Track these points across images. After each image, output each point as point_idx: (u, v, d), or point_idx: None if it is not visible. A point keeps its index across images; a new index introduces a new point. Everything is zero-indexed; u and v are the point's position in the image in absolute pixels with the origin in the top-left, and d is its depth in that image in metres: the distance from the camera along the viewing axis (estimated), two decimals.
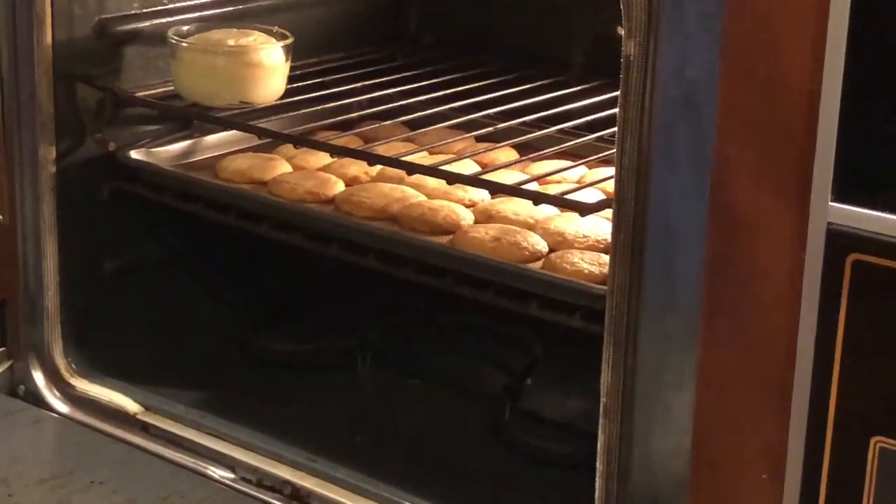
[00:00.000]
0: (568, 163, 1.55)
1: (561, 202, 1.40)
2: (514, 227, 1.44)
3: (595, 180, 1.51)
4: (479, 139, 1.65)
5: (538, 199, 1.39)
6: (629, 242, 1.15)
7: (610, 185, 1.43)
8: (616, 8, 1.12)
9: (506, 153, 1.63)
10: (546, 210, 1.47)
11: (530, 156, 1.56)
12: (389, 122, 1.65)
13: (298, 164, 1.64)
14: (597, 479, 1.21)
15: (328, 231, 1.50)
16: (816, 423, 1.07)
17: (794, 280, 1.05)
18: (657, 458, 1.16)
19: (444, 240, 1.44)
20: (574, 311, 1.32)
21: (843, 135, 1.01)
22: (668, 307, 1.14)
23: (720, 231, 1.09)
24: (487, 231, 1.43)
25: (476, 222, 1.48)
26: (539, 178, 1.52)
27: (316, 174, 1.59)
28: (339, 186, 1.56)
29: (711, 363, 1.10)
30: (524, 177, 1.52)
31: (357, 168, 1.60)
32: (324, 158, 1.64)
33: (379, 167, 1.59)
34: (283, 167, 1.62)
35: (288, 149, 1.66)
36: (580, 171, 1.58)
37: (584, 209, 1.35)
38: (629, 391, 1.17)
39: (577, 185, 1.48)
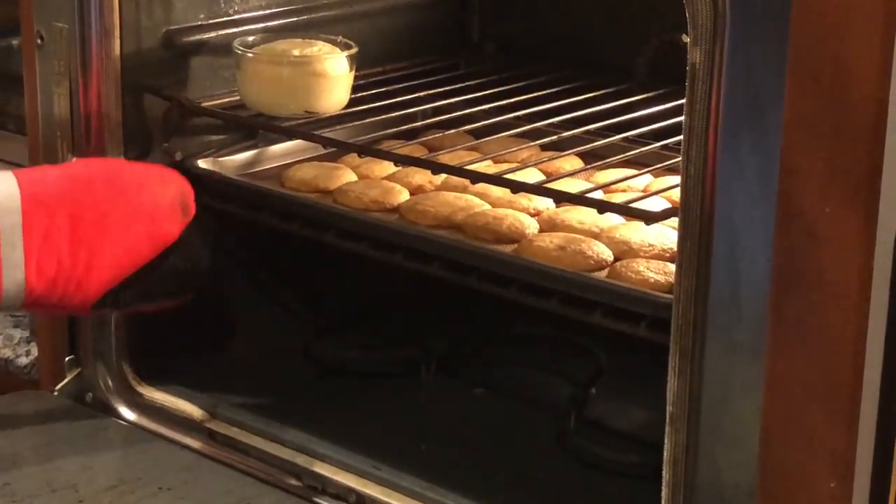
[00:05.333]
0: (633, 171, 1.54)
1: (626, 211, 1.40)
2: (579, 236, 1.44)
3: (660, 189, 1.50)
4: (543, 148, 1.65)
5: (603, 207, 1.39)
6: (695, 251, 1.14)
7: (676, 194, 1.43)
8: (680, 16, 1.12)
9: (570, 162, 1.63)
10: (611, 219, 1.47)
11: (595, 164, 1.56)
12: (453, 131, 1.66)
13: (363, 174, 1.64)
14: (663, 489, 1.20)
15: (393, 240, 1.51)
16: (885, 431, 1.06)
17: (863, 288, 1.04)
18: (724, 466, 1.16)
19: (508, 249, 1.44)
20: (639, 321, 1.32)
21: None
22: (735, 315, 1.13)
23: (787, 239, 1.08)
24: (552, 240, 1.42)
25: (541, 231, 1.48)
26: (604, 187, 1.52)
27: (381, 183, 1.60)
28: (403, 195, 1.57)
29: (779, 371, 1.10)
30: (589, 185, 1.52)
31: (422, 177, 1.61)
32: (388, 167, 1.64)
33: (443, 176, 1.60)
34: (349, 176, 1.63)
35: (353, 158, 1.67)
36: (646, 180, 1.58)
37: (649, 218, 1.35)
38: (696, 400, 1.16)
39: (642, 194, 1.48)
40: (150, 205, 1.42)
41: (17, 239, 1.35)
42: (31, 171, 1.43)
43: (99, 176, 1.42)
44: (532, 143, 1.63)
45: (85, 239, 1.38)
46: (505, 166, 1.58)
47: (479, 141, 1.64)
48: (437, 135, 1.68)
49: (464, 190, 1.57)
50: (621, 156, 1.53)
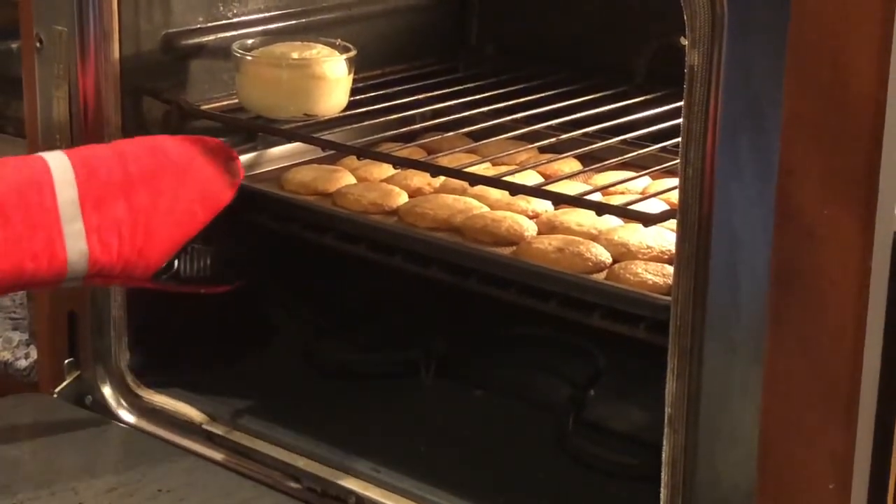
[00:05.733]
0: (631, 173, 1.54)
1: (624, 213, 1.40)
2: (577, 238, 1.44)
3: (659, 191, 1.50)
4: (541, 150, 1.65)
5: (601, 209, 1.39)
6: (694, 252, 1.15)
7: (674, 196, 1.43)
8: (678, 18, 1.13)
9: (569, 164, 1.63)
10: (610, 221, 1.47)
11: (593, 167, 1.56)
12: (452, 133, 1.66)
13: (362, 176, 1.64)
14: (662, 490, 1.20)
15: (392, 242, 1.51)
16: (883, 431, 1.06)
17: (861, 289, 1.04)
18: (723, 467, 1.16)
19: (507, 251, 1.44)
20: (638, 322, 1.32)
21: None
22: (733, 316, 1.13)
23: (785, 240, 1.08)
24: (551, 242, 1.42)
25: (539, 233, 1.48)
26: (602, 189, 1.52)
27: (379, 186, 1.60)
28: (402, 198, 1.57)
29: (777, 372, 1.10)
30: (587, 188, 1.52)
31: (420, 179, 1.61)
32: (387, 170, 1.65)
33: (442, 179, 1.60)
34: (347, 179, 1.63)
35: (352, 160, 1.67)
36: (644, 182, 1.58)
37: (647, 220, 1.35)
38: (694, 401, 1.16)
39: (640, 196, 1.48)
40: (198, 171, 1.48)
41: (76, 212, 1.41)
42: (81, 150, 1.48)
43: (146, 150, 1.48)
44: (530, 146, 1.63)
45: (141, 209, 1.44)
46: (503, 168, 1.58)
47: (478, 143, 1.64)
48: (435, 137, 1.68)
49: (462, 192, 1.57)
50: (619, 158, 1.53)
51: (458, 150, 1.63)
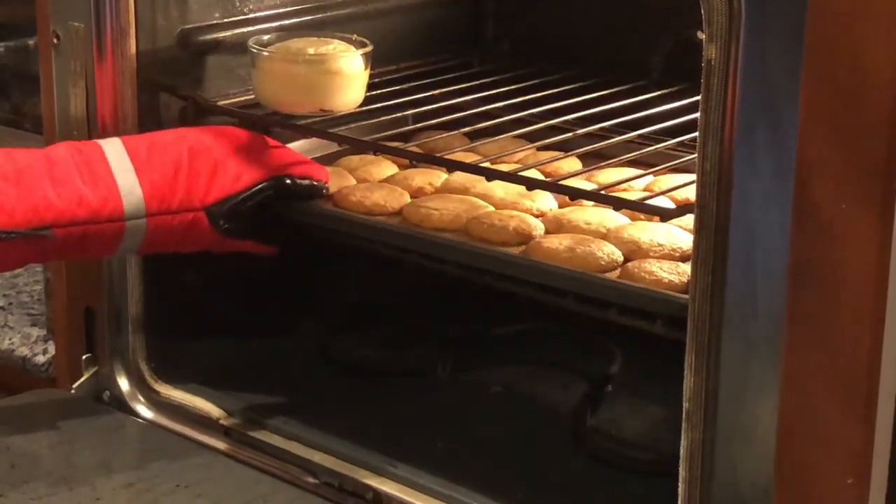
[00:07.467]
0: (633, 171, 1.53)
1: (642, 208, 1.39)
2: (587, 237, 1.42)
3: (665, 188, 1.48)
4: (555, 146, 1.62)
5: (619, 204, 1.38)
6: (711, 248, 1.14)
7: (679, 194, 1.43)
8: (696, 12, 1.12)
9: (569, 163, 1.61)
10: (618, 219, 1.45)
11: (595, 166, 1.54)
12: (447, 133, 1.64)
13: (361, 177, 1.63)
14: (680, 486, 1.20)
15: (402, 244, 1.50)
16: None
17: (879, 285, 1.04)
18: (741, 463, 1.16)
19: (516, 250, 1.43)
20: (655, 320, 1.32)
21: None
22: (751, 312, 1.13)
23: (803, 236, 1.08)
24: (561, 241, 1.41)
25: (547, 232, 1.46)
26: (607, 188, 1.49)
27: (382, 186, 1.58)
28: (405, 198, 1.55)
29: (795, 368, 1.10)
30: (591, 185, 1.51)
31: (421, 179, 1.59)
32: (387, 170, 1.64)
33: (443, 178, 1.59)
34: (347, 180, 1.61)
35: (350, 161, 1.66)
36: (647, 180, 1.56)
37: (665, 215, 1.34)
38: (712, 396, 1.16)
39: (647, 193, 1.47)
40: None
41: (127, 163, 1.45)
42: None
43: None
44: (530, 145, 1.61)
45: (192, 159, 1.49)
46: (504, 167, 1.57)
47: (476, 143, 1.62)
48: (434, 138, 1.65)
49: (464, 192, 1.55)
50: (623, 157, 1.51)
51: (457, 149, 1.61)
